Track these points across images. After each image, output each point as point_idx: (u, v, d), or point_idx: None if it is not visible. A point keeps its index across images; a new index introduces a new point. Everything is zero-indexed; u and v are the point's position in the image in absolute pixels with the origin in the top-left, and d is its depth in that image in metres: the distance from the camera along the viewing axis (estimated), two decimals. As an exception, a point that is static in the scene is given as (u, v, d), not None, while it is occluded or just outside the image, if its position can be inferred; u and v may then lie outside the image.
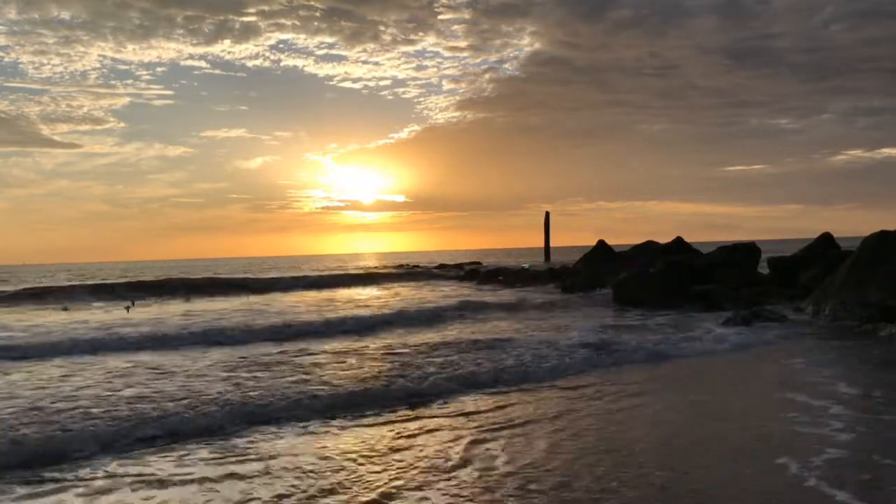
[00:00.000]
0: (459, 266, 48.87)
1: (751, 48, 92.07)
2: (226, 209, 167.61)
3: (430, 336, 13.94)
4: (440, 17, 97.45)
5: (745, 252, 23.56)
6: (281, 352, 11.99)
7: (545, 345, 11.73)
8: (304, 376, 9.42)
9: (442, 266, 50.42)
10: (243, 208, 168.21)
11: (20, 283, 42.79)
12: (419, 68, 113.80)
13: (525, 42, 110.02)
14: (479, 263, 50.79)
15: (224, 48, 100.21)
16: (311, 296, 27.96)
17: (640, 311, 18.11)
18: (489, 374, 9.25)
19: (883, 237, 15.92)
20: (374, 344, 12.88)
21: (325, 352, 11.91)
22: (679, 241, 27.37)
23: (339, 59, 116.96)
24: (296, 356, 11.35)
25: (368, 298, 25.20)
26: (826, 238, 22.48)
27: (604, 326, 14.71)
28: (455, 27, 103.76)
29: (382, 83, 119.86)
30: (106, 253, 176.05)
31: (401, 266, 55.60)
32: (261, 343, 13.34)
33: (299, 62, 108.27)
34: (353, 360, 10.81)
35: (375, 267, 56.29)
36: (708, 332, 13.48)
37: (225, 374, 9.71)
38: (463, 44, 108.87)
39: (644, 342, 11.95)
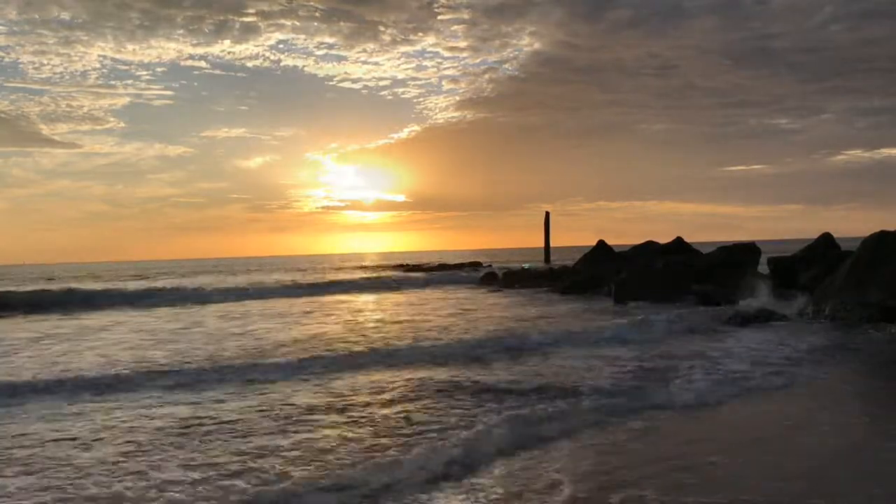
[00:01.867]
0: (459, 266, 48.91)
1: (750, 48, 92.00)
2: (226, 209, 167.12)
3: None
4: (440, 17, 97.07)
5: (744, 252, 23.56)
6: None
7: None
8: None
9: (442, 266, 50.40)
10: (243, 208, 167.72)
11: None
12: (419, 68, 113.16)
13: (525, 42, 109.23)
14: (478, 264, 50.78)
15: (224, 48, 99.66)
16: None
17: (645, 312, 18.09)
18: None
19: (883, 238, 15.90)
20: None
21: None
22: (679, 241, 27.37)
23: (339, 58, 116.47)
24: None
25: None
26: (826, 238, 22.47)
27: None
28: (455, 27, 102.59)
29: (382, 83, 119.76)
30: (107, 253, 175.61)
31: (400, 266, 55.61)
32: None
33: (299, 62, 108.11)
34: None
35: (393, 268, 56.11)
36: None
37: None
38: (462, 44, 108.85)
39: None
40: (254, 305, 23.58)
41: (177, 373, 9.80)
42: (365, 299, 26.08)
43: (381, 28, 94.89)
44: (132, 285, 33.46)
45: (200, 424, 6.99)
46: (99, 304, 24.44)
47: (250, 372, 9.79)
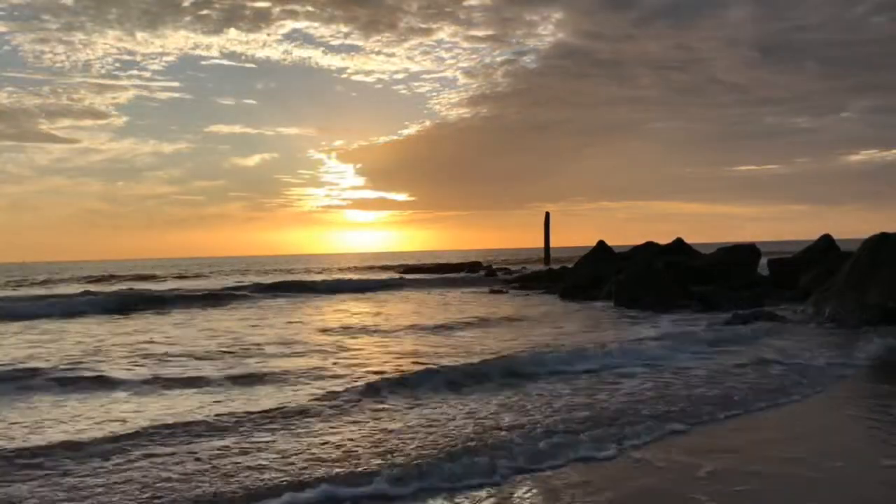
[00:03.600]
0: (460, 266, 49.00)
1: (782, 41, 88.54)
2: (229, 206, 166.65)
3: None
4: (463, 2, 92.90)
5: (744, 253, 23.55)
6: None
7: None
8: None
9: (442, 266, 50.45)
10: (243, 206, 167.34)
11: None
12: (435, 60, 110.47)
13: (548, 32, 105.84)
14: (478, 264, 50.78)
15: (232, 37, 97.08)
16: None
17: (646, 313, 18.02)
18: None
19: (883, 239, 15.85)
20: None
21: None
22: (679, 242, 27.32)
23: (353, 49, 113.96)
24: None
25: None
26: (826, 240, 22.43)
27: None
28: (477, 14, 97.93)
29: (396, 76, 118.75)
30: (107, 251, 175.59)
31: (400, 266, 55.70)
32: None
33: (310, 54, 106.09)
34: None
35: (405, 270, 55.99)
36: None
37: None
38: (482, 33, 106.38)
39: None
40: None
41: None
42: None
43: (400, 14, 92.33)
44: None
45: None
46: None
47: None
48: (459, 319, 17.61)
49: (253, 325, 17.03)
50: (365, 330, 15.84)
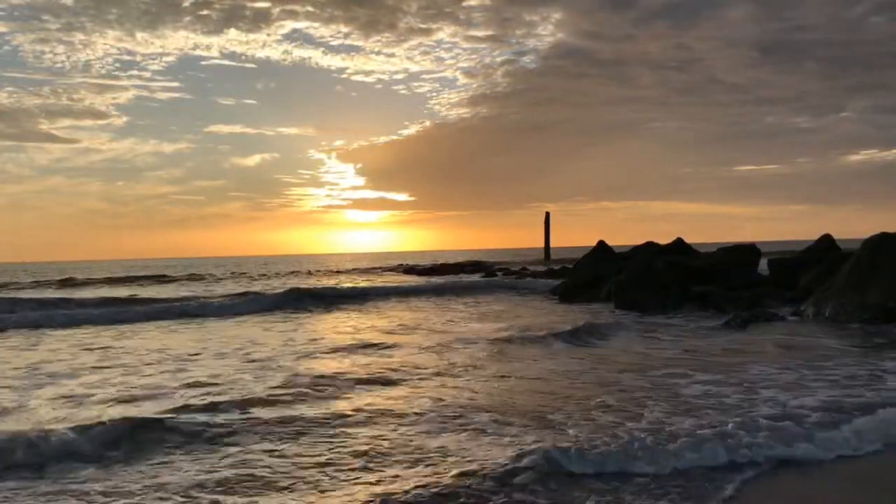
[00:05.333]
0: (460, 267, 48.97)
1: (781, 41, 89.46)
2: (229, 206, 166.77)
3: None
4: (463, 3, 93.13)
5: (744, 253, 23.47)
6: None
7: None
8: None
9: (443, 267, 50.37)
10: (245, 206, 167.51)
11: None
12: (434, 60, 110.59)
13: (548, 32, 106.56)
14: (479, 263, 50.80)
15: (233, 38, 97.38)
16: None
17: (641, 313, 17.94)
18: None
19: (883, 239, 15.81)
20: None
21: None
22: (679, 241, 27.26)
23: (353, 49, 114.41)
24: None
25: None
26: (827, 240, 22.38)
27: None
28: (476, 15, 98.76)
29: (396, 76, 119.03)
30: (107, 251, 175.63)
31: (399, 266, 55.66)
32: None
33: (310, 54, 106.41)
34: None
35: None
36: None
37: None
38: (482, 33, 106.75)
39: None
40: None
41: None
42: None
43: (400, 15, 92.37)
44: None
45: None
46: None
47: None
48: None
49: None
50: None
